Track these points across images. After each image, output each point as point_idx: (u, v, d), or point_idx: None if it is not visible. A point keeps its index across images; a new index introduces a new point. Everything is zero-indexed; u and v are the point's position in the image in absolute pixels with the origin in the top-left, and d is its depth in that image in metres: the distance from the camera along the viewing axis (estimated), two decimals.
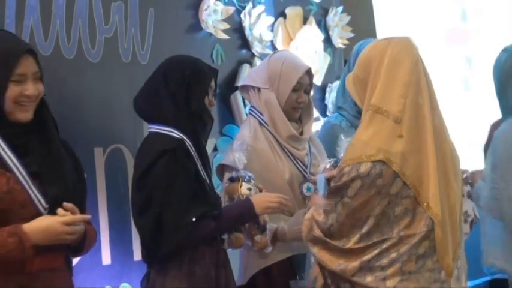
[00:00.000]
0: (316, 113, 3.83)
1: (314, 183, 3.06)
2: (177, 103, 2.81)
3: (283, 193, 2.98)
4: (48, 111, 2.42)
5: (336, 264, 2.43)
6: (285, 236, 3.09)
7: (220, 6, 3.77)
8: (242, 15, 3.92)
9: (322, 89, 4.43)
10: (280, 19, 4.17)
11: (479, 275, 3.65)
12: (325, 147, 3.40)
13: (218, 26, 3.75)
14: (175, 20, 3.59)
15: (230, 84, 3.83)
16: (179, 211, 2.70)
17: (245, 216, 2.85)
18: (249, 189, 2.92)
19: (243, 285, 3.17)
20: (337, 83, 4.47)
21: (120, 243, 3.23)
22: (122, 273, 3.24)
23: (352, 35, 4.59)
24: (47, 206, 2.32)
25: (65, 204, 2.30)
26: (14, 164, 2.29)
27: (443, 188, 2.40)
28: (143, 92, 2.90)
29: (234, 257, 3.11)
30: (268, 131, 3.23)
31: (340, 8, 4.57)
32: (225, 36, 3.77)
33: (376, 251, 2.38)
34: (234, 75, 3.86)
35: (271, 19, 4.10)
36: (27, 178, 2.30)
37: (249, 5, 3.95)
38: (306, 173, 3.24)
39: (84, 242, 2.44)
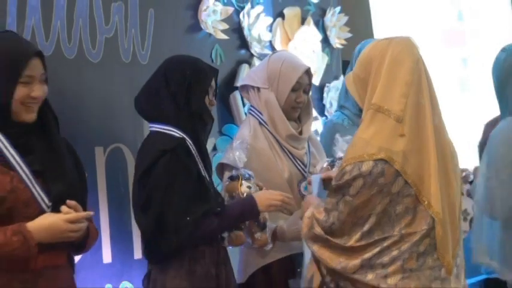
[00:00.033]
0: (314, 112, 3.85)
1: (309, 183, 3.08)
2: (177, 103, 2.82)
3: (282, 192, 2.99)
4: (51, 110, 2.44)
5: (337, 262, 2.43)
6: (284, 235, 3.11)
7: (220, 6, 3.78)
8: (241, 16, 3.94)
9: (320, 89, 4.44)
10: (279, 19, 4.19)
11: (474, 274, 3.67)
12: (326, 146, 3.41)
13: (217, 26, 3.77)
14: (175, 21, 3.61)
15: (229, 84, 3.85)
16: (180, 210, 2.71)
17: (248, 214, 2.87)
18: (249, 187, 2.93)
19: (242, 283, 3.18)
20: (335, 83, 4.50)
21: (120, 241, 3.24)
22: (123, 272, 3.25)
23: (349, 35, 4.61)
24: (50, 204, 2.33)
25: (68, 201, 2.32)
26: (17, 162, 2.31)
27: (443, 187, 2.41)
28: (144, 92, 2.90)
29: (234, 255, 3.11)
30: (268, 130, 3.24)
31: (338, 9, 4.58)
32: (224, 37, 3.79)
33: (377, 249, 2.38)
34: (233, 75, 3.88)
35: (270, 19, 4.12)
36: (31, 177, 2.32)
37: (248, 6, 3.97)
38: (305, 172, 3.26)
39: (87, 240, 2.45)
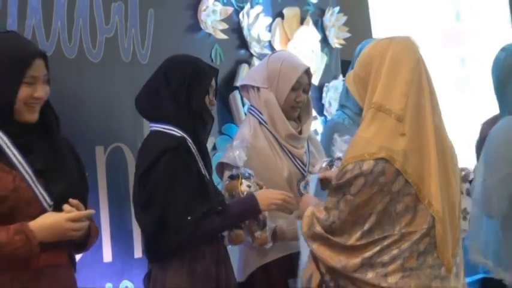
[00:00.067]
0: (313, 112, 3.86)
1: (307, 183, 3.09)
2: (177, 102, 2.82)
3: (282, 191, 3.00)
4: (53, 111, 2.46)
5: (337, 260, 2.43)
6: (284, 234, 3.11)
7: (219, 6, 3.80)
8: (240, 16, 3.94)
9: (319, 89, 4.45)
10: (278, 19, 4.20)
11: (472, 273, 3.67)
12: (326, 146, 3.42)
13: (217, 26, 3.78)
14: (174, 20, 3.62)
15: (229, 84, 3.86)
16: (181, 210, 2.72)
17: (249, 212, 2.88)
18: (249, 186, 2.94)
19: (242, 282, 3.19)
20: (334, 83, 4.51)
21: (121, 240, 3.25)
22: (123, 271, 3.26)
23: (348, 35, 4.62)
24: (51, 203, 2.34)
25: (71, 200, 2.33)
26: (19, 162, 2.32)
27: (443, 186, 2.41)
28: (144, 92, 2.91)
29: (233, 253, 3.12)
30: (268, 129, 3.25)
31: (337, 9, 4.59)
32: (223, 36, 3.80)
33: (377, 248, 2.38)
34: (232, 74, 3.89)
35: (269, 19, 4.12)
36: (33, 176, 2.33)
37: (247, 6, 3.97)
38: (305, 171, 3.27)
39: (88, 238, 2.47)
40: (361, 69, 2.50)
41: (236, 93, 3.82)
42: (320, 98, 4.45)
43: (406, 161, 2.36)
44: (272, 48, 4.09)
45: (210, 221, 2.77)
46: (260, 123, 3.26)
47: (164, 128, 2.83)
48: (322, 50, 4.47)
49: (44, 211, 2.33)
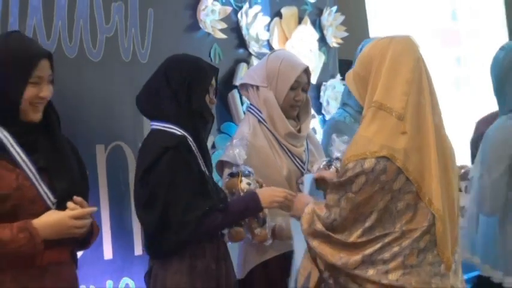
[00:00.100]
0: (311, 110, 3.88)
1: (301, 182, 3.10)
2: (178, 101, 2.83)
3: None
4: (54, 109, 2.47)
5: (337, 257, 2.44)
6: (283, 233, 3.12)
7: (218, 6, 3.81)
8: (239, 15, 3.96)
9: (317, 88, 4.46)
10: (276, 19, 4.21)
11: (468, 270, 3.70)
12: (327, 144, 3.43)
13: (216, 26, 3.79)
14: (174, 20, 3.63)
15: (228, 83, 3.87)
16: (183, 208, 2.72)
17: (251, 210, 2.88)
18: (249, 184, 2.95)
19: (241, 279, 3.20)
20: (332, 82, 4.53)
21: (121, 238, 3.26)
22: (123, 268, 3.27)
23: (346, 34, 4.63)
24: (55, 200, 2.36)
25: (75, 197, 2.35)
26: (23, 160, 2.34)
27: (443, 184, 2.42)
28: (145, 91, 2.92)
29: (233, 250, 3.13)
30: (267, 128, 3.26)
31: (335, 8, 4.60)
32: (222, 36, 3.82)
33: (378, 245, 2.39)
34: (231, 74, 3.90)
35: (268, 19, 4.14)
36: (36, 174, 2.35)
37: (246, 5, 3.99)
38: (304, 169, 3.28)
39: (91, 236, 2.49)
40: (361, 68, 2.50)
41: (235, 92, 3.84)
42: (318, 96, 4.47)
43: (407, 159, 2.37)
44: (270, 48, 4.11)
45: (213, 218, 2.78)
46: (259, 121, 3.28)
47: (165, 127, 2.84)
48: (320, 49, 4.48)
49: (47, 209, 2.34)
